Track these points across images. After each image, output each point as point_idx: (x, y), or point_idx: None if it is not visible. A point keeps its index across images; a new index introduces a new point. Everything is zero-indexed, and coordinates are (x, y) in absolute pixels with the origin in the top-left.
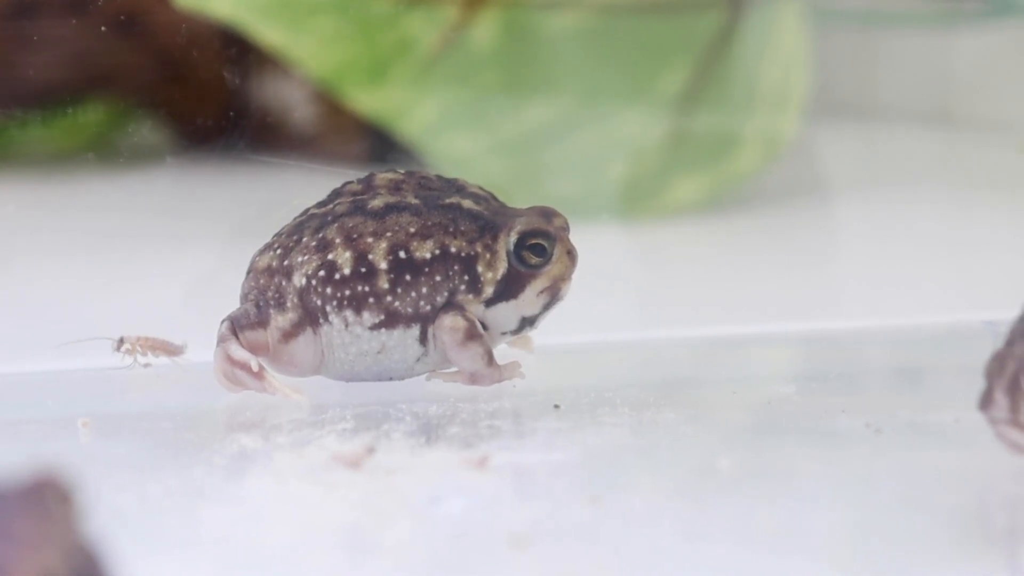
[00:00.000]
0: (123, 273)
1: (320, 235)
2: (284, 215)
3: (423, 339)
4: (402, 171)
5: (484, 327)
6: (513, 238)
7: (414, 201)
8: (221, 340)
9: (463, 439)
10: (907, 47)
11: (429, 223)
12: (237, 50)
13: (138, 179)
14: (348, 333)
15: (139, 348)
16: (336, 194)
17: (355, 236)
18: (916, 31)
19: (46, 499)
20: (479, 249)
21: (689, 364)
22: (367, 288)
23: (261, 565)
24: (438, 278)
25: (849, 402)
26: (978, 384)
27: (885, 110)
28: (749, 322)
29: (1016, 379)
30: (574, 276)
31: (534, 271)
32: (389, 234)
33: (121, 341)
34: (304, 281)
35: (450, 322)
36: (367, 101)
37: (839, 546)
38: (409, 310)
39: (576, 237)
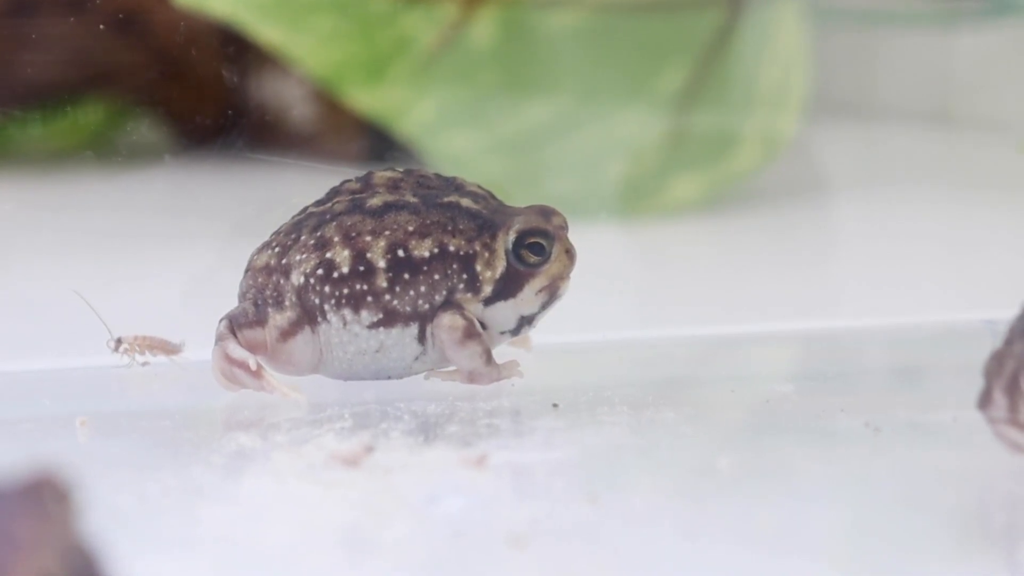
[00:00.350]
0: (121, 272)
1: (318, 233)
2: (282, 213)
3: (421, 338)
4: (400, 170)
5: (483, 326)
6: (512, 237)
7: (413, 200)
8: (219, 339)
9: (462, 438)
10: (906, 46)
11: (428, 222)
12: (236, 49)
13: (137, 178)
14: (346, 332)
15: (137, 347)
16: (334, 192)
17: (353, 235)
18: (915, 30)
19: (44, 498)
20: (478, 248)
21: (688, 363)
22: (365, 287)
23: (260, 564)
24: (436, 277)
25: (848, 401)
26: (977, 383)
27: (884, 109)
28: (748, 321)
29: (1015, 378)
30: (573, 275)
31: (533, 270)
32: (388, 233)
33: (119, 341)
34: (302, 280)
35: (448, 321)
36: (366, 100)
37: (838, 545)
38: (407, 309)
39: (575, 236)
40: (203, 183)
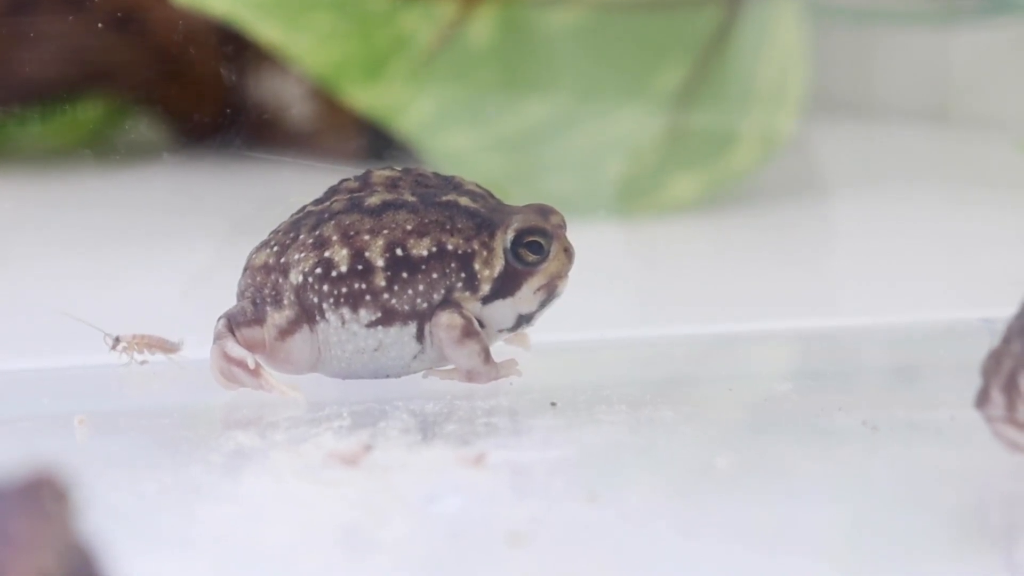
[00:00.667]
0: (120, 270)
1: (317, 232)
2: (281, 212)
3: (420, 336)
4: (399, 168)
5: (481, 324)
6: (510, 236)
7: (411, 198)
8: (217, 337)
9: (460, 437)
10: (904, 44)
11: (426, 220)
12: (234, 47)
13: (135, 176)
14: (345, 331)
15: (135, 346)
16: (333, 191)
17: (352, 233)
18: (913, 28)
19: (42, 497)
20: (476, 247)
21: (686, 362)
22: (364, 286)
23: (258, 563)
24: (435, 276)
25: (846, 400)
26: (975, 382)
27: (882, 107)
28: (746, 320)
29: (1012, 377)
30: (571, 274)
31: (531, 269)
32: (386, 232)
33: (117, 340)
34: (301, 278)
35: (447, 319)
36: (364, 98)
37: (836, 543)
38: (406, 307)
39: (573, 234)
40: (201, 181)
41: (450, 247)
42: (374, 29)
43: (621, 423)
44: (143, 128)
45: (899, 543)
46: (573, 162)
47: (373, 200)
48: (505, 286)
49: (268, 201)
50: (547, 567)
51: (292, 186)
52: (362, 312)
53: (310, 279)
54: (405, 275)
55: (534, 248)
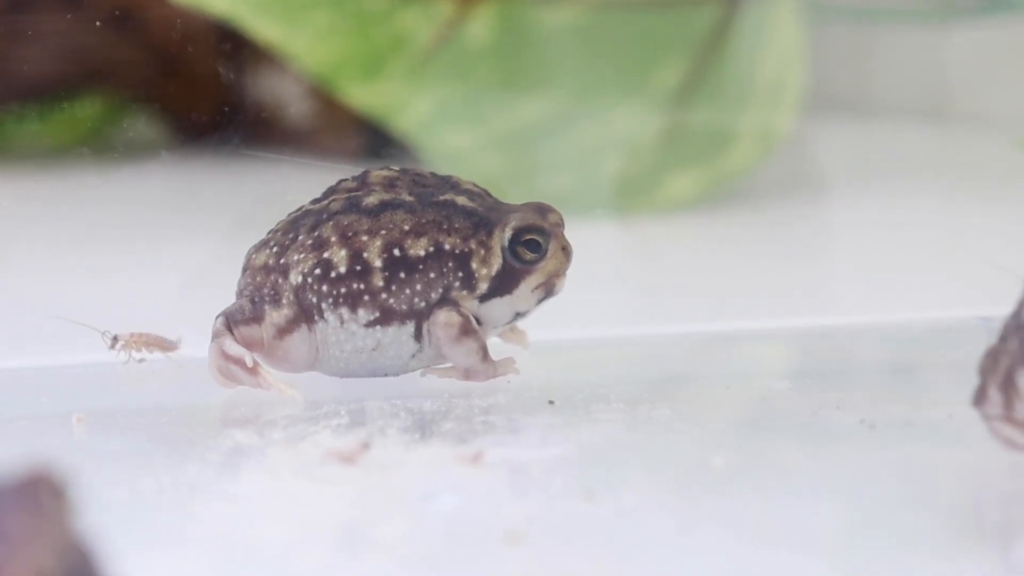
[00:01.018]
0: (118, 268)
1: (316, 233)
2: (279, 210)
3: (418, 336)
4: (396, 168)
5: (478, 322)
6: (508, 234)
7: (408, 198)
8: (216, 336)
9: (457, 435)
10: (902, 43)
11: (423, 220)
12: (232, 45)
13: (133, 174)
14: (343, 330)
15: (133, 344)
16: (331, 191)
17: (350, 234)
18: (911, 26)
19: (40, 495)
20: (473, 246)
21: (684, 360)
22: (362, 286)
23: (255, 561)
24: (432, 275)
25: (843, 398)
26: (972, 380)
27: (880, 106)
28: (744, 318)
29: (1010, 375)
30: (569, 272)
31: (529, 267)
32: (384, 232)
33: (115, 339)
34: (300, 279)
35: (445, 318)
36: (362, 96)
37: (833, 542)
38: (404, 307)
39: (571, 233)
40: (199, 179)
41: (447, 246)
42: (372, 27)
43: (618, 421)
44: (141, 126)
45: (897, 541)
46: (571, 161)
47: (371, 200)
48: (503, 284)
49: (266, 199)
50: (544, 565)
51: (290, 184)
52: (360, 312)
53: (309, 280)
54: (403, 275)
55: (532, 246)
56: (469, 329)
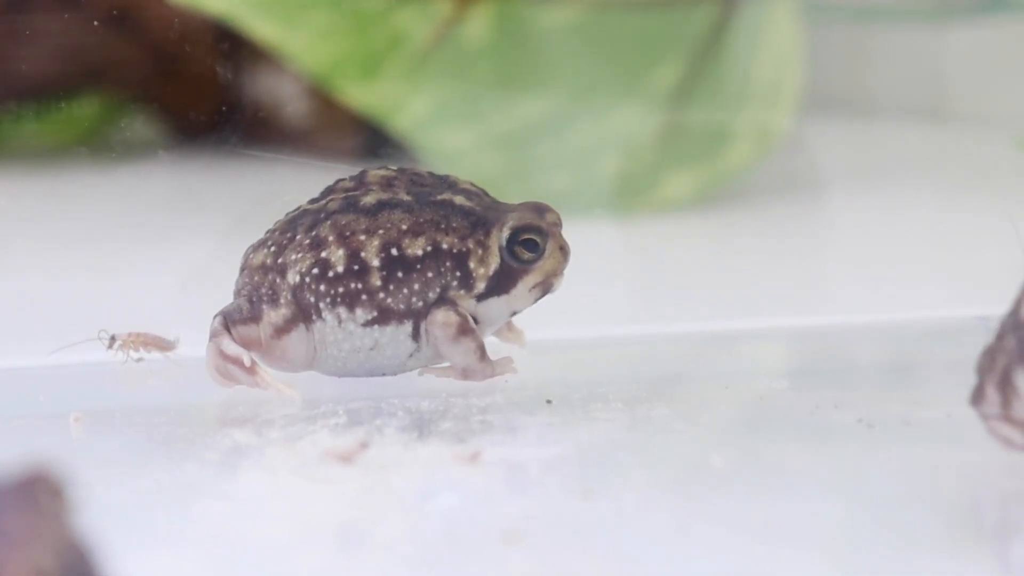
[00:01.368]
0: (116, 267)
1: (314, 233)
2: (277, 210)
3: (415, 335)
4: (394, 168)
5: (476, 321)
6: (505, 234)
7: (406, 198)
8: (213, 335)
9: (455, 434)
10: (900, 42)
11: (421, 220)
12: (230, 44)
13: (131, 173)
14: (341, 330)
15: (131, 344)
16: (329, 191)
17: (348, 234)
18: (909, 26)
19: (38, 494)
20: (471, 245)
21: (682, 359)
22: (360, 285)
23: (253, 560)
24: (430, 275)
25: (841, 397)
26: (970, 379)
27: (878, 105)
28: (742, 317)
29: (1007, 374)
30: (566, 271)
31: (526, 267)
32: (381, 231)
33: (113, 339)
34: (298, 279)
35: (442, 317)
36: (360, 96)
37: (832, 541)
38: (401, 307)
39: (569, 232)
40: (197, 179)
41: (445, 246)
42: (370, 27)
43: (616, 421)
44: (139, 126)
45: (894, 540)
46: (569, 160)
47: (368, 199)
48: (500, 284)
49: (264, 199)
50: (542, 564)
51: (288, 184)
52: (358, 311)
53: (307, 279)
54: (400, 274)
55: (529, 246)
56: (467, 328)
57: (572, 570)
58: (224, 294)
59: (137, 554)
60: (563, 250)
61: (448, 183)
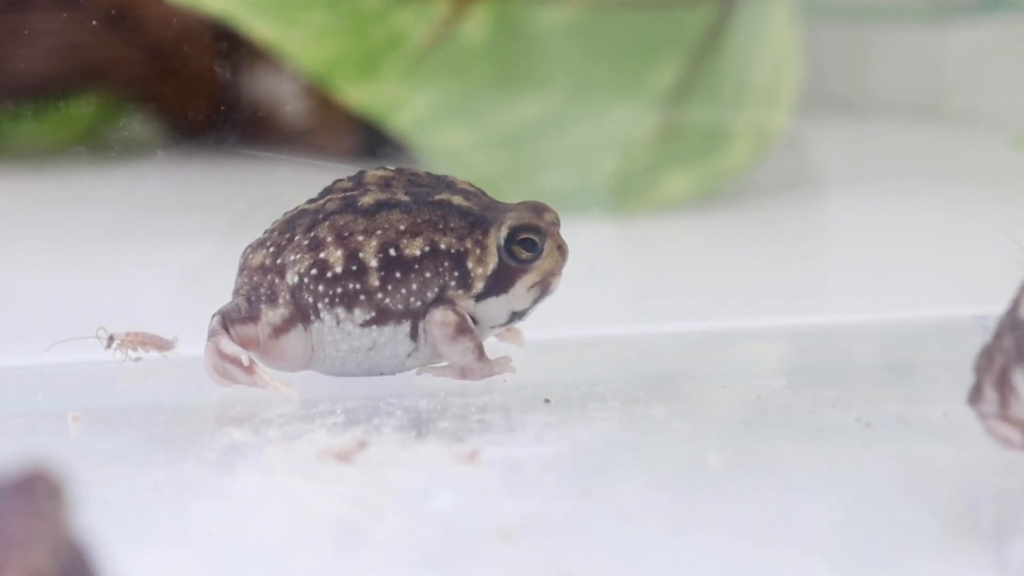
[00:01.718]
0: (114, 266)
1: (312, 233)
2: (275, 209)
3: (414, 335)
4: (392, 168)
5: (474, 321)
6: (503, 233)
7: (404, 198)
8: (212, 334)
9: (453, 433)
10: (898, 42)
11: (419, 220)
12: (228, 44)
13: (129, 172)
14: (339, 330)
15: (129, 343)
16: (327, 191)
17: (346, 234)
18: (907, 26)
19: (36, 493)
20: (469, 245)
21: (679, 358)
22: (358, 286)
23: (251, 559)
24: (428, 275)
25: (839, 396)
26: (967, 378)
27: (876, 105)
28: (740, 316)
29: (1005, 373)
30: (565, 271)
31: (525, 266)
32: (379, 232)
33: (111, 339)
34: (297, 279)
35: (441, 316)
36: (358, 95)
37: (829, 539)
38: (400, 307)
39: (567, 232)
40: (195, 178)
41: (443, 246)
42: (368, 26)
43: (614, 419)
44: (137, 125)
45: (892, 539)
46: (567, 159)
47: (367, 200)
48: (499, 283)
49: (262, 198)
50: (539, 562)
51: (286, 183)
52: (357, 312)
53: (305, 280)
54: (398, 275)
55: (528, 245)
56: (465, 328)
57: (569, 568)
58: (222, 293)
59: (135, 553)
60: (561, 250)
61: (446, 183)
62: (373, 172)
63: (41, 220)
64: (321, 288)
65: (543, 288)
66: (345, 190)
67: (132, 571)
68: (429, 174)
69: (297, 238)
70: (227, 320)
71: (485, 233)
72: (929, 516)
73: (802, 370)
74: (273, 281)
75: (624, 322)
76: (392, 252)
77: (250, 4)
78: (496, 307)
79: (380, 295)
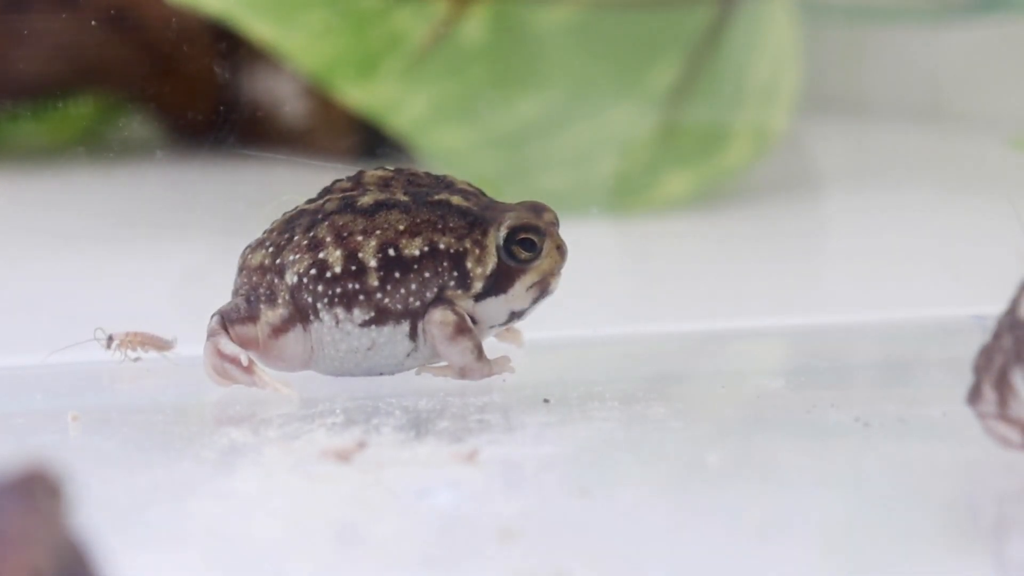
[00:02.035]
0: (113, 267)
1: (311, 234)
2: (274, 209)
3: (413, 335)
4: (391, 168)
5: (473, 321)
6: (503, 233)
7: (403, 198)
8: (211, 334)
9: (453, 433)
10: (896, 42)
11: (418, 220)
12: (227, 44)
13: (128, 173)
14: (339, 330)
15: (129, 343)
16: (326, 191)
17: (345, 234)
18: (905, 26)
19: (35, 493)
20: (468, 245)
21: (679, 358)
22: (357, 286)
23: (250, 559)
24: (427, 275)
25: (838, 396)
26: (966, 378)
27: (874, 105)
28: (738, 316)
29: (1004, 373)
30: (564, 271)
31: (524, 266)
32: (379, 232)
33: (110, 339)
34: (296, 279)
35: (440, 316)
36: (357, 95)
37: (828, 539)
38: (399, 307)
39: (566, 232)
40: (195, 179)
41: (442, 246)
42: (367, 27)
43: (613, 419)
44: (136, 125)
45: (891, 538)
46: (566, 160)
47: (366, 200)
48: (498, 283)
49: (261, 198)
50: (538, 562)
51: (285, 184)
52: (356, 312)
53: (305, 280)
54: (398, 275)
55: (527, 245)
56: (464, 328)
57: (568, 568)
58: (222, 293)
59: (134, 552)
60: (560, 250)
61: (445, 183)
62: (372, 172)
63: (40, 220)
64: (320, 288)
65: (542, 288)
66: (344, 190)
67: (131, 570)
68: (428, 174)
69: (296, 238)
70: (226, 320)
71: (484, 233)
72: (928, 516)
73: (801, 370)
74: (272, 281)
75: (623, 322)
76: (391, 252)
77: (249, 4)
78: (495, 307)
79: (379, 295)
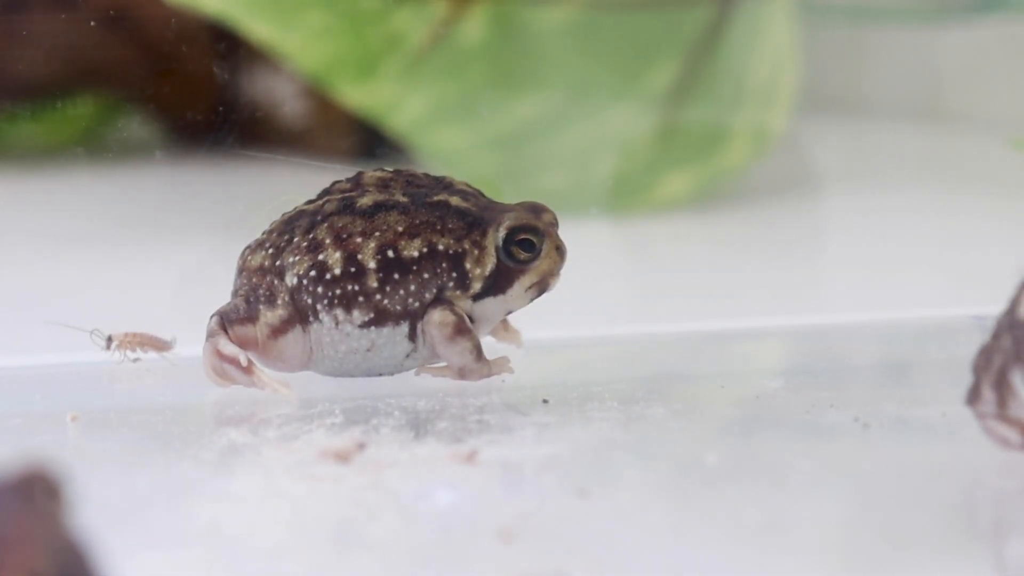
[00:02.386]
0: (112, 267)
1: (311, 235)
2: (273, 210)
3: (412, 336)
4: (390, 169)
5: (472, 321)
6: (502, 234)
7: (402, 199)
8: (210, 335)
9: (452, 434)
10: (895, 43)
11: (417, 221)
12: (226, 45)
13: (127, 173)
14: (338, 331)
15: (128, 344)
16: (325, 192)
17: (344, 236)
18: (904, 27)
19: (34, 494)
20: (467, 246)
21: (678, 359)
22: (357, 287)
23: (249, 559)
24: (426, 275)
25: (837, 396)
26: (965, 378)
27: (873, 105)
28: (738, 317)
29: (1003, 373)
30: (563, 271)
31: (523, 266)
32: (378, 233)
33: (109, 339)
34: (296, 281)
35: (439, 317)
36: (356, 96)
37: (827, 539)
38: (398, 308)
39: (565, 232)
40: (194, 179)
41: (441, 247)
42: (366, 27)
43: (612, 420)
44: (135, 126)
45: (890, 539)
46: (565, 160)
47: (365, 201)
48: (497, 284)
49: (260, 199)
50: (537, 562)
51: (284, 184)
52: (355, 313)
53: (304, 281)
54: (397, 276)
55: (526, 246)
56: (463, 328)
57: (567, 568)
58: (221, 294)
59: (133, 553)
60: (559, 250)
61: (444, 184)
62: (371, 173)
63: (39, 221)
64: (320, 289)
65: (541, 289)
66: (343, 191)
67: (130, 571)
68: (427, 175)
69: (296, 239)
70: (226, 321)
71: (483, 234)
72: (927, 516)
73: (800, 370)
74: (272, 282)
75: (622, 322)
76: (390, 253)
77: (248, 4)
78: (494, 307)
79: (378, 296)
